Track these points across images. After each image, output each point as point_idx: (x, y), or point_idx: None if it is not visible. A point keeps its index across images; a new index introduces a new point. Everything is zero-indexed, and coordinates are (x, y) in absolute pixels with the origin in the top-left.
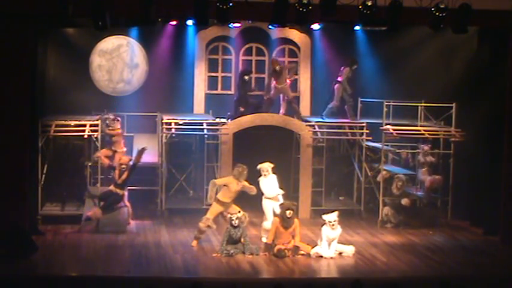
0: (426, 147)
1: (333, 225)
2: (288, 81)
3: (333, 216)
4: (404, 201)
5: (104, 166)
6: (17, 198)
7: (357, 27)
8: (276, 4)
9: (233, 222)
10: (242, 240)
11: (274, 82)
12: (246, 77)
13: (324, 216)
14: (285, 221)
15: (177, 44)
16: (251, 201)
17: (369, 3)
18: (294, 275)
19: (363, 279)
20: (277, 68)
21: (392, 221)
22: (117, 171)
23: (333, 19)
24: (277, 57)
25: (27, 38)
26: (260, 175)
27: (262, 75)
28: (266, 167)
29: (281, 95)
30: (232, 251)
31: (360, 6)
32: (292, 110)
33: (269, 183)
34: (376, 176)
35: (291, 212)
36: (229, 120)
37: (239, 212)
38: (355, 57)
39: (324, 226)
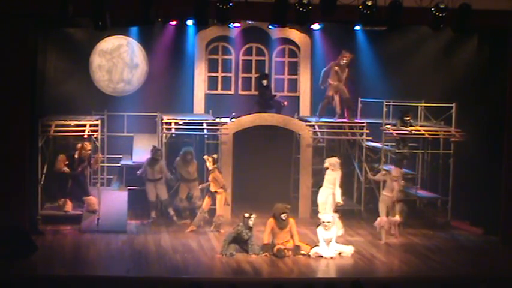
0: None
1: (326, 225)
2: (344, 79)
3: (327, 217)
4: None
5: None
6: (17, 198)
7: (357, 27)
8: (276, 4)
9: (250, 223)
10: (248, 240)
11: (329, 79)
12: (265, 82)
13: (320, 215)
14: (280, 223)
15: (177, 44)
16: (251, 201)
17: (369, 3)
18: (293, 275)
19: (363, 279)
20: (343, 62)
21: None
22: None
23: (333, 19)
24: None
25: (27, 38)
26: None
27: None
28: (334, 161)
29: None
30: (235, 253)
31: (360, 6)
32: (348, 109)
33: (333, 177)
34: (375, 175)
35: (286, 215)
36: (232, 120)
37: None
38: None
39: (319, 226)
